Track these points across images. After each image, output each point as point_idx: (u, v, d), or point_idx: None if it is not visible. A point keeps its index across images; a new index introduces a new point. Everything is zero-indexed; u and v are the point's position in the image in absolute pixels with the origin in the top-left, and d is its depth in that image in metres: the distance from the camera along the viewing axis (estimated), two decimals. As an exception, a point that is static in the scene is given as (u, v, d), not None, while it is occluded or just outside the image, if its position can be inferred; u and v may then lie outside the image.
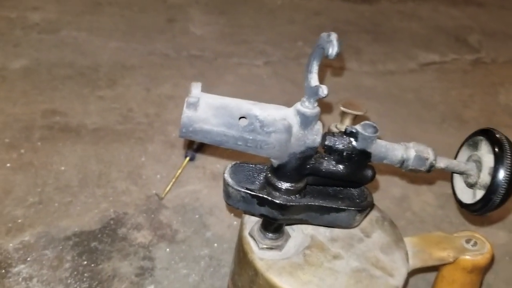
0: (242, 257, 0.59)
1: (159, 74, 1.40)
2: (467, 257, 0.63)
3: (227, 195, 0.54)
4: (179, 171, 1.06)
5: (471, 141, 0.56)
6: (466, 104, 1.55)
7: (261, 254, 0.57)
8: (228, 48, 1.58)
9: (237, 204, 0.54)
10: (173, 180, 1.04)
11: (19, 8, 1.58)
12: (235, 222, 0.98)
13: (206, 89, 1.47)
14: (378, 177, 1.15)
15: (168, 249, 0.90)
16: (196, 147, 1.13)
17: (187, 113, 0.48)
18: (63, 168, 1.03)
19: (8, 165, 1.02)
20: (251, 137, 0.49)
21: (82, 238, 0.89)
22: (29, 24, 1.52)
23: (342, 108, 0.62)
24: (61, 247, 0.87)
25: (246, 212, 0.57)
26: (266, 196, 0.53)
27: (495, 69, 1.84)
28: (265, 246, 0.57)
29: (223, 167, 1.10)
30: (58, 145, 1.09)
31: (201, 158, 1.12)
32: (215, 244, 0.93)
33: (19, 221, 0.90)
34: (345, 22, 1.86)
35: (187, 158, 1.10)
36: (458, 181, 0.58)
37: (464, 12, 2.29)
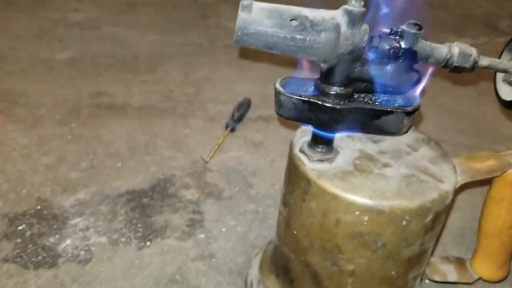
0: (293, 173, 0.62)
1: (195, 61, 1.46)
2: (515, 171, 0.64)
3: (279, 104, 0.57)
4: (221, 139, 1.10)
5: (511, 45, 0.59)
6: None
7: (312, 165, 0.60)
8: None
9: (288, 113, 0.57)
10: (216, 147, 1.07)
11: (61, 10, 1.67)
12: (276, 185, 1.00)
13: (241, 72, 1.49)
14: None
15: (215, 205, 0.93)
16: (237, 118, 1.16)
17: (242, 16, 0.51)
18: (111, 139, 1.08)
19: (60, 137, 1.07)
20: (302, 37, 0.52)
21: (134, 195, 0.93)
22: (71, 23, 1.60)
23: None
24: (114, 203, 0.91)
25: (297, 120, 0.59)
26: (316, 101, 0.55)
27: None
28: (316, 159, 0.60)
29: (263, 136, 1.14)
30: (105, 120, 1.14)
31: (241, 129, 1.16)
32: (260, 200, 0.96)
33: (74, 182, 0.95)
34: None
35: (228, 128, 1.14)
36: (500, 81, 0.60)
37: (490, 0, 2.30)
